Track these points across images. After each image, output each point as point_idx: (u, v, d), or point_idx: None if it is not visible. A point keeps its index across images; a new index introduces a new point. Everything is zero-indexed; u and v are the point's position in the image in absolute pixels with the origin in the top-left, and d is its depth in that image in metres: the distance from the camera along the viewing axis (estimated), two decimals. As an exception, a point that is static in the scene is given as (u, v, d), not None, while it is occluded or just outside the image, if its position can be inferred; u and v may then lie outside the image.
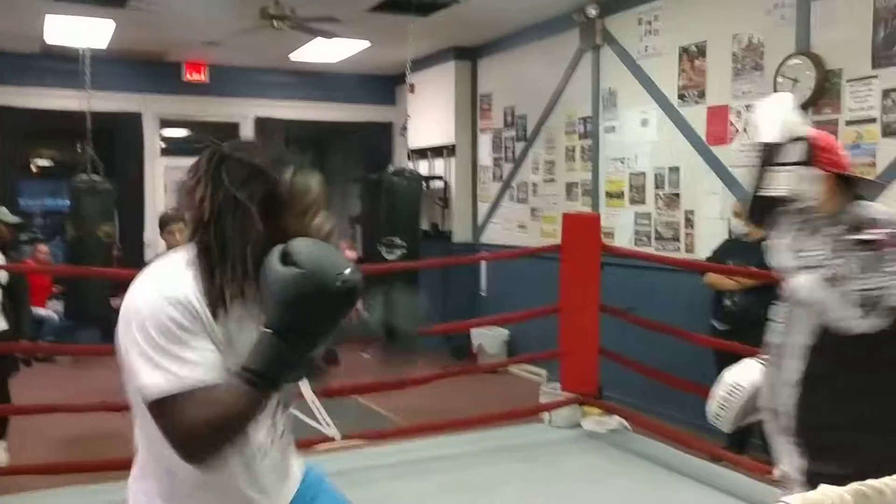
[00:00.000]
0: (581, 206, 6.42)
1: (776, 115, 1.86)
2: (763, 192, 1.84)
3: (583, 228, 5.09)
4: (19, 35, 7.11)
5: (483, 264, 7.71)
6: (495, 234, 7.76)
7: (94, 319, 6.17)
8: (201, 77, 8.59)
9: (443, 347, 7.78)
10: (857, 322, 1.67)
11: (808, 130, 1.92)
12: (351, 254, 9.71)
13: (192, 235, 1.43)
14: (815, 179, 1.84)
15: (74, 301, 6.26)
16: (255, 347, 1.31)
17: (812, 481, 1.70)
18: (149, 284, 1.39)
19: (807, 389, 1.76)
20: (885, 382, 1.72)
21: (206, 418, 1.29)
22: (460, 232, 8.08)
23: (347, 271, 1.28)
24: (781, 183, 1.81)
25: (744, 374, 1.97)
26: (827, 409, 1.73)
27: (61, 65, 7.54)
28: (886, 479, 1.35)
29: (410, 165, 7.31)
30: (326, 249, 1.33)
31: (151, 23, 6.68)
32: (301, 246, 1.30)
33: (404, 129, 6.79)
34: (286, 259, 1.29)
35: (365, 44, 7.57)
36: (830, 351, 1.75)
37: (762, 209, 1.89)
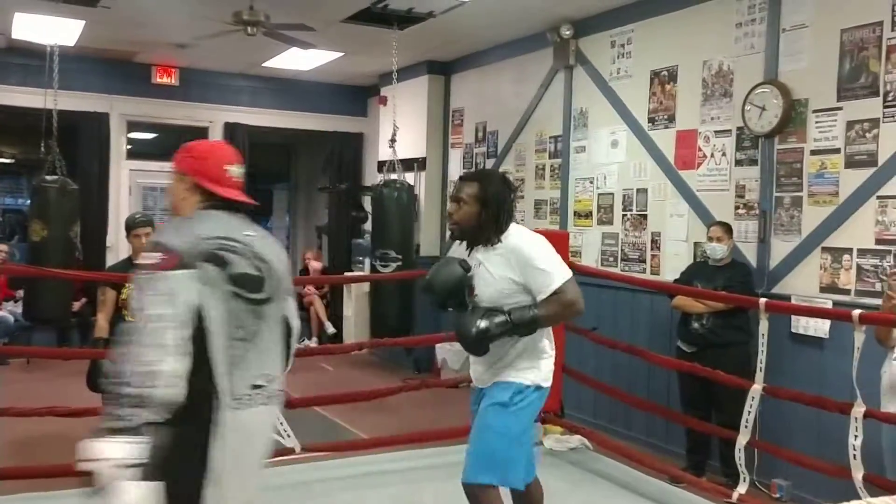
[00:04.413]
0: (549, 225, 6.45)
1: None
2: None
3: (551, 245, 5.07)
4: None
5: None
6: (462, 249, 7.73)
7: (51, 322, 5.99)
8: (171, 80, 8.50)
9: (405, 361, 7.74)
10: None
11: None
12: (316, 264, 9.62)
13: None
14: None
15: (33, 302, 6.06)
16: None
17: None
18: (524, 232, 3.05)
19: None
20: None
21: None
22: (427, 246, 8.05)
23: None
24: None
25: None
26: None
27: (27, 61, 7.41)
28: None
29: (381, 177, 7.25)
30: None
31: (122, 23, 6.59)
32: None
33: (393, 140, 6.75)
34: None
35: (338, 54, 7.56)
36: None
37: None
